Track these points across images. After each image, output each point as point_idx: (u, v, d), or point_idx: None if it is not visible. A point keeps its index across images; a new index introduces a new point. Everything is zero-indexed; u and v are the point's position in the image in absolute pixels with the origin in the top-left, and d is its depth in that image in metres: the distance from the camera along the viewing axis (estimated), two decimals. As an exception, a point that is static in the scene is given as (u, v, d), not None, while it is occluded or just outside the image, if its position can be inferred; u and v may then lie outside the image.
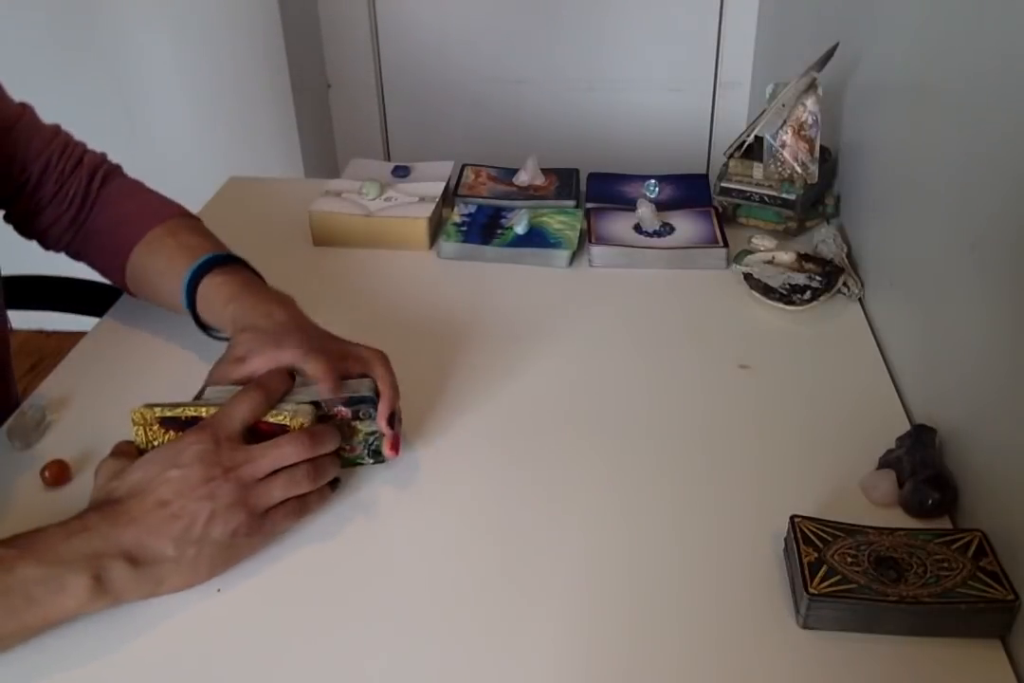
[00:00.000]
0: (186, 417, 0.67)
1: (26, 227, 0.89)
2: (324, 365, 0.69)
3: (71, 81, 1.93)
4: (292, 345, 0.71)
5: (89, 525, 0.60)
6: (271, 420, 0.67)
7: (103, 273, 0.91)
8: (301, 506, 0.67)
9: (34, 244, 0.92)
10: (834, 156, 1.12)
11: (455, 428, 0.80)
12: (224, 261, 0.81)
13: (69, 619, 0.60)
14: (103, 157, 0.91)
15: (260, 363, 0.70)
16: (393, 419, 0.72)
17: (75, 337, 0.93)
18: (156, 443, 0.68)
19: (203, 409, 0.67)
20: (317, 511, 0.70)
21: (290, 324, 0.74)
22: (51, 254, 0.92)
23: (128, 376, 0.87)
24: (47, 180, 0.85)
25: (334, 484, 0.71)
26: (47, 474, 0.73)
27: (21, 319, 0.97)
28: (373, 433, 0.72)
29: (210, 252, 0.81)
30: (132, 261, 0.85)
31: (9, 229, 0.90)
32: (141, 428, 0.68)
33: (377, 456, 0.73)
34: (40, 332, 2.27)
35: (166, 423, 0.67)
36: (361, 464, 0.74)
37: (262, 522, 0.65)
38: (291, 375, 0.70)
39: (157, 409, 0.67)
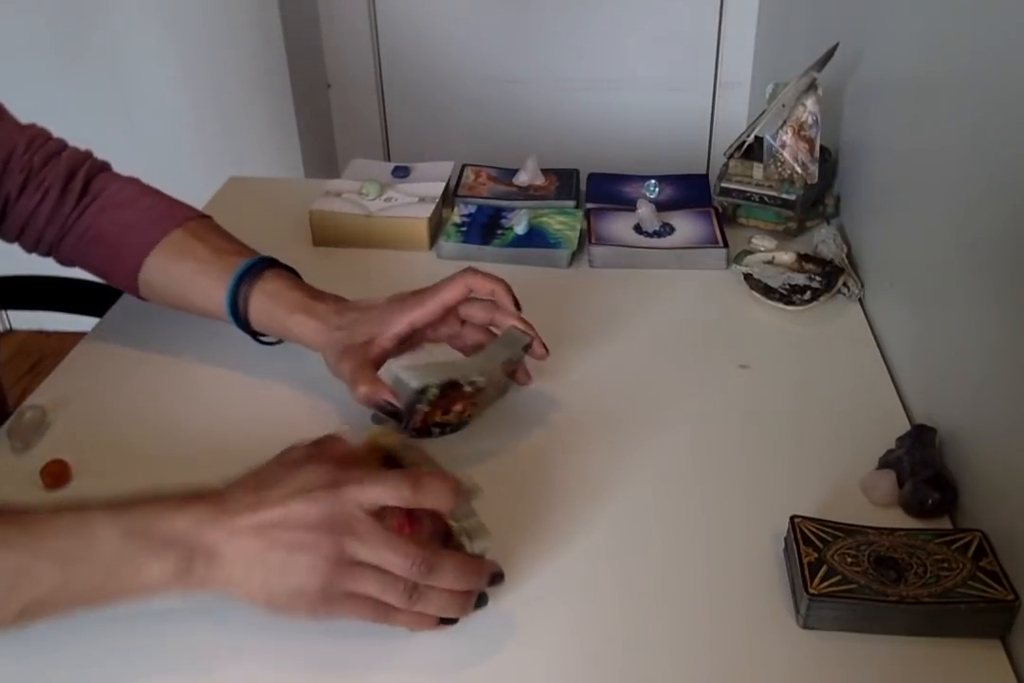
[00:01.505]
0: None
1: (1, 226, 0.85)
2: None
3: (71, 81, 1.93)
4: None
5: (195, 513, 0.56)
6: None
7: (107, 278, 0.87)
8: (382, 614, 0.57)
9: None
10: (834, 156, 1.12)
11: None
12: (264, 265, 0.81)
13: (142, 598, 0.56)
14: (87, 154, 0.87)
15: (450, 294, 0.77)
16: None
17: (75, 337, 0.92)
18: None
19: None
20: (404, 628, 0.59)
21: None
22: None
23: (128, 376, 0.87)
24: (10, 171, 0.81)
25: (449, 621, 0.59)
26: (47, 474, 0.73)
27: (21, 319, 0.96)
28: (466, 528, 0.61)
29: (247, 257, 0.81)
30: (149, 266, 0.82)
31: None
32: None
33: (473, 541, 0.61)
34: (40, 332, 2.27)
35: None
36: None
37: (328, 599, 0.56)
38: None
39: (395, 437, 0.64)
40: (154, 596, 0.56)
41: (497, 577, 0.59)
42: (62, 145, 0.86)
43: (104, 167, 0.88)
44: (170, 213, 0.85)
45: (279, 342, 0.83)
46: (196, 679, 0.60)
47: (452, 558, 0.57)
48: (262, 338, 0.83)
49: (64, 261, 0.87)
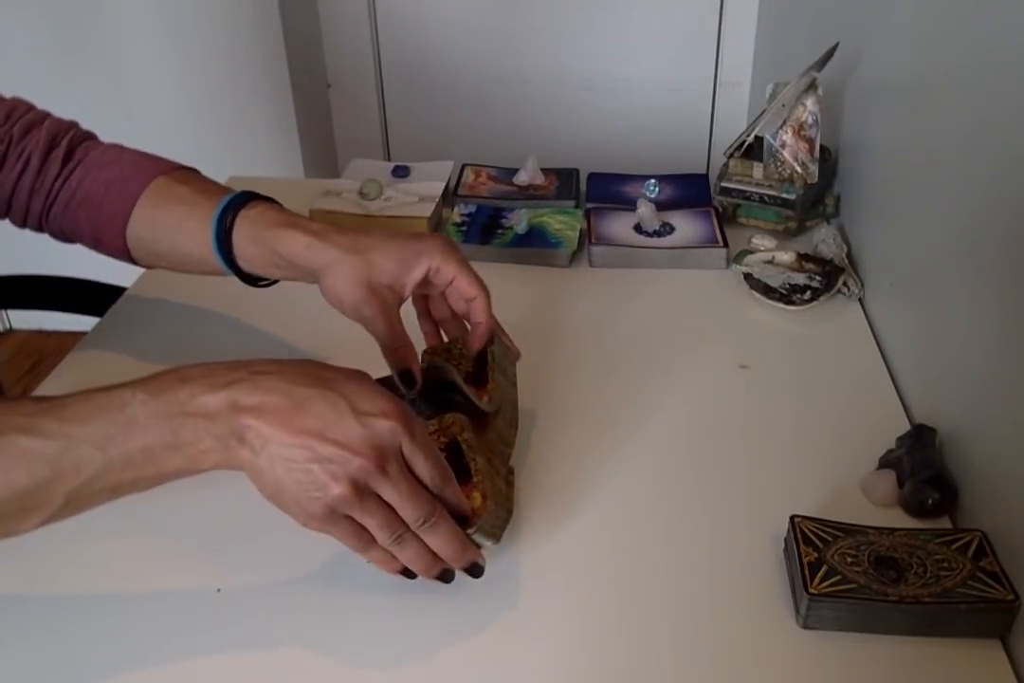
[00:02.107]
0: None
1: None
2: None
3: (71, 81, 1.93)
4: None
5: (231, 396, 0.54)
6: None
7: (98, 244, 0.82)
8: (362, 545, 0.58)
9: (34, 243, 0.90)
10: (834, 156, 1.12)
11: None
12: (248, 196, 0.76)
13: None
14: (71, 123, 0.84)
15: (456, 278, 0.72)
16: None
17: (75, 337, 0.92)
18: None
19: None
20: (370, 563, 0.60)
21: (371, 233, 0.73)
22: (51, 254, 0.90)
23: (128, 376, 0.87)
24: None
25: (445, 576, 0.61)
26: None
27: (21, 319, 0.96)
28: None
29: (231, 192, 0.76)
30: (136, 219, 0.78)
31: (9, 229, 0.90)
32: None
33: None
34: (40, 332, 2.27)
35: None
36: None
37: (327, 516, 0.56)
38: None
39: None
40: (190, 475, 0.55)
41: (476, 568, 0.61)
42: (44, 115, 0.83)
43: (89, 135, 0.85)
44: (153, 164, 0.81)
45: (274, 282, 0.78)
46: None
47: (450, 526, 0.58)
48: (259, 283, 0.78)
49: (56, 233, 0.84)
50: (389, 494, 0.56)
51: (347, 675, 0.60)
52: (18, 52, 1.91)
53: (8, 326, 2.31)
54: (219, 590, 0.65)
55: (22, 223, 0.83)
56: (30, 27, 1.89)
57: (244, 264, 0.75)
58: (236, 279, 0.77)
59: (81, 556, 0.68)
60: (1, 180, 0.79)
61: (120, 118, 1.97)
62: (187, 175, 0.81)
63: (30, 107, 0.83)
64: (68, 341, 0.92)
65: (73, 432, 0.52)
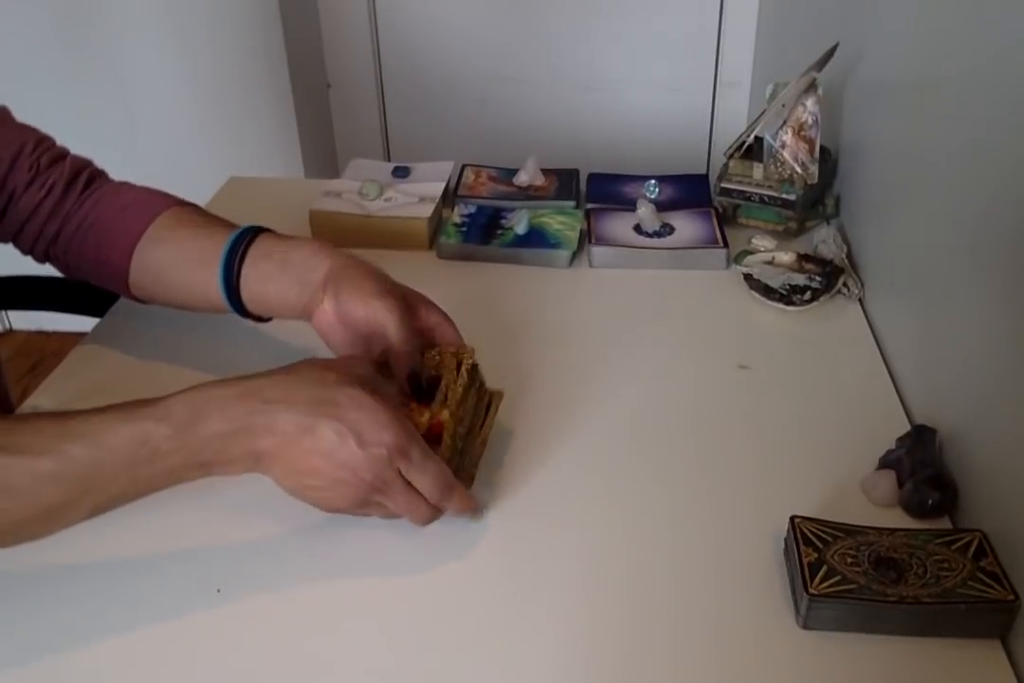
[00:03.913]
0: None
1: (2, 220, 0.84)
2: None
3: (71, 81, 1.93)
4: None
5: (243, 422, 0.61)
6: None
7: (100, 265, 0.83)
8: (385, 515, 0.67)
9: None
10: (834, 156, 1.12)
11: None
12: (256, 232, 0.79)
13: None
14: (89, 161, 0.88)
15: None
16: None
17: (75, 337, 0.92)
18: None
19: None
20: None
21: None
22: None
23: (128, 376, 0.87)
24: (18, 167, 0.82)
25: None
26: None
27: (21, 319, 0.96)
28: None
29: (240, 227, 0.79)
30: (148, 237, 0.80)
31: (9, 229, 0.90)
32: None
33: None
34: (40, 332, 2.27)
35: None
36: None
37: (349, 511, 0.65)
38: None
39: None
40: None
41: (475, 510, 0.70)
42: (66, 150, 0.88)
43: (103, 172, 0.89)
44: (167, 196, 0.85)
45: (269, 320, 0.80)
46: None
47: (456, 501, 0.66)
48: (256, 316, 0.80)
49: (59, 257, 0.85)
50: (391, 508, 0.65)
51: (347, 675, 0.60)
52: (19, 52, 1.90)
53: (8, 326, 2.31)
54: (219, 590, 0.65)
55: (30, 247, 0.85)
56: (31, 27, 1.89)
57: (251, 287, 0.77)
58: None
59: (81, 556, 0.68)
60: (23, 203, 0.83)
61: (120, 118, 1.97)
62: (201, 210, 0.85)
63: (54, 141, 0.87)
64: (68, 341, 0.92)
65: (102, 458, 0.58)
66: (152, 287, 0.82)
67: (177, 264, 0.80)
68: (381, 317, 0.71)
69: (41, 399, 0.83)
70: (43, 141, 0.86)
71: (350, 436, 0.61)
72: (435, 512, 0.66)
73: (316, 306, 0.73)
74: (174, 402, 0.61)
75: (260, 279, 0.76)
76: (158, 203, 0.83)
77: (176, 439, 0.59)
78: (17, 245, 0.86)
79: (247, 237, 0.77)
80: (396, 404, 0.66)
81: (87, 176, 0.85)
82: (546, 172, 1.20)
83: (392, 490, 0.63)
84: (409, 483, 0.64)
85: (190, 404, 0.61)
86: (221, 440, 0.60)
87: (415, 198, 1.11)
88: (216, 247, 0.77)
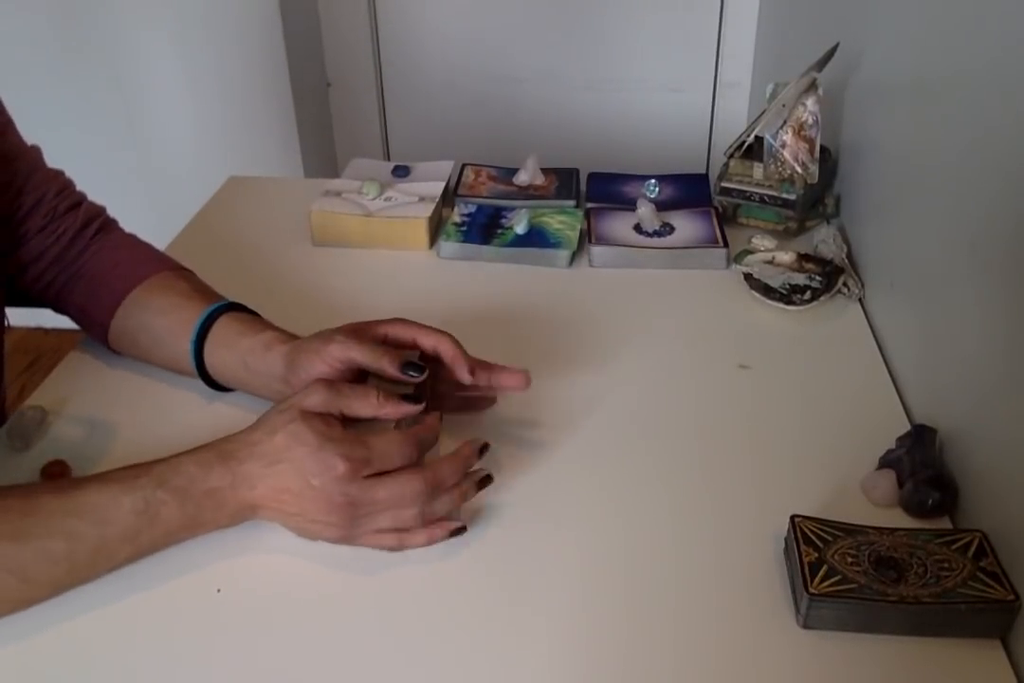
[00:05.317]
0: None
1: (6, 259, 0.86)
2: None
3: (71, 81, 1.93)
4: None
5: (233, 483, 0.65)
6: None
7: (84, 313, 0.86)
8: (398, 541, 0.67)
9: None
10: (834, 156, 1.12)
11: (450, 427, 0.80)
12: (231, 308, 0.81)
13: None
14: (103, 209, 0.91)
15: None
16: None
17: (73, 335, 0.92)
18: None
19: None
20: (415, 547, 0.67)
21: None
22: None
23: (128, 375, 0.87)
24: (37, 213, 0.85)
25: (457, 532, 0.68)
26: (47, 474, 0.73)
27: (19, 316, 0.96)
28: None
29: (222, 299, 0.81)
30: (124, 310, 0.83)
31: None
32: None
33: None
34: (38, 329, 2.27)
35: None
36: None
37: (353, 538, 0.66)
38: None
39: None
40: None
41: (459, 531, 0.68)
42: (83, 197, 0.90)
43: (113, 221, 0.92)
44: (161, 259, 0.87)
45: (230, 390, 0.81)
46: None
47: (424, 538, 0.67)
48: (216, 382, 0.81)
49: (48, 298, 0.88)
50: (386, 519, 0.66)
51: (347, 675, 0.60)
52: (19, 52, 1.91)
53: (7, 323, 2.31)
54: (219, 590, 0.65)
55: (26, 287, 0.88)
56: (31, 27, 1.89)
57: (217, 350, 0.78)
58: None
59: (81, 556, 0.67)
60: (31, 247, 0.85)
61: (120, 118, 1.96)
62: (191, 277, 0.86)
63: (74, 187, 0.90)
64: (66, 338, 0.92)
65: (108, 533, 0.62)
66: (129, 348, 0.85)
67: (153, 334, 0.82)
68: (339, 353, 0.71)
69: (41, 399, 0.83)
70: (65, 188, 0.88)
71: (304, 472, 0.64)
72: (425, 495, 0.65)
73: (290, 391, 0.73)
74: (166, 469, 0.64)
75: (224, 370, 0.79)
76: (149, 266, 0.85)
77: (173, 505, 0.63)
78: (16, 281, 0.88)
79: (214, 318, 0.78)
80: (353, 413, 0.67)
81: (97, 226, 0.88)
82: (546, 172, 1.20)
83: (368, 495, 0.64)
84: (380, 483, 0.64)
85: (179, 469, 0.64)
86: (220, 504, 0.65)
87: (415, 198, 1.11)
88: (188, 325, 0.79)
